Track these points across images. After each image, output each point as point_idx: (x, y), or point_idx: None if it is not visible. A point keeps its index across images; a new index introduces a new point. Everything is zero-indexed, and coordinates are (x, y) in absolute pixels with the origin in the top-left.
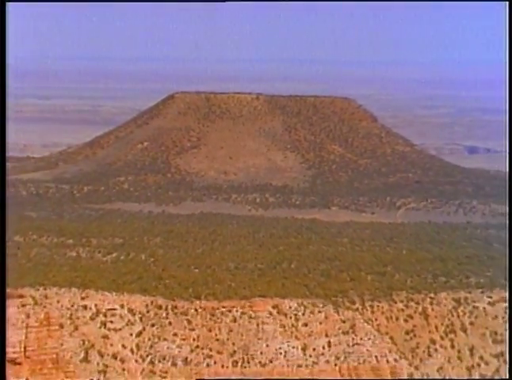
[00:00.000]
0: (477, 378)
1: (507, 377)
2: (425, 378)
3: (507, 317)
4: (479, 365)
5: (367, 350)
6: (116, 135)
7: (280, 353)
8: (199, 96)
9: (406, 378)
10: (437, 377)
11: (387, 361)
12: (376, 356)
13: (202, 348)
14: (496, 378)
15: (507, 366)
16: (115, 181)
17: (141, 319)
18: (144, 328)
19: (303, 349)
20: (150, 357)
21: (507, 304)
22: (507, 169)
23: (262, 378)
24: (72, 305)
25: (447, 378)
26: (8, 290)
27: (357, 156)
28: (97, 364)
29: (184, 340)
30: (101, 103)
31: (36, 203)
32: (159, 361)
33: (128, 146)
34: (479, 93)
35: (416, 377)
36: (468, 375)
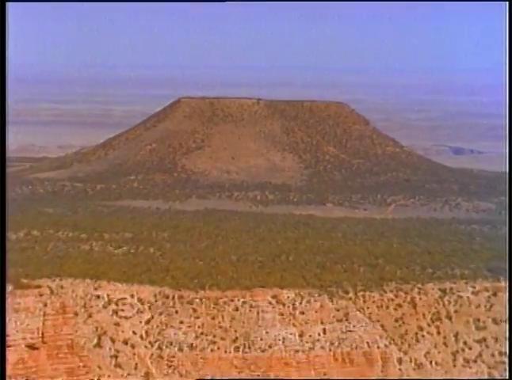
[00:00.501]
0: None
1: (507, 377)
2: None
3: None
4: (463, 350)
5: (359, 336)
6: (126, 137)
7: (279, 339)
8: (203, 101)
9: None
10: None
11: (378, 347)
12: (367, 342)
13: (206, 335)
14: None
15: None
16: (125, 180)
17: (150, 308)
18: (153, 316)
19: (300, 336)
20: (158, 343)
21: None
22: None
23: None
24: (86, 295)
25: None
26: (26, 281)
27: (350, 156)
28: (109, 349)
29: (189, 327)
30: (113, 107)
31: (52, 200)
32: (167, 346)
33: (138, 148)
34: (464, 99)
35: (404, 361)
36: (452, 360)
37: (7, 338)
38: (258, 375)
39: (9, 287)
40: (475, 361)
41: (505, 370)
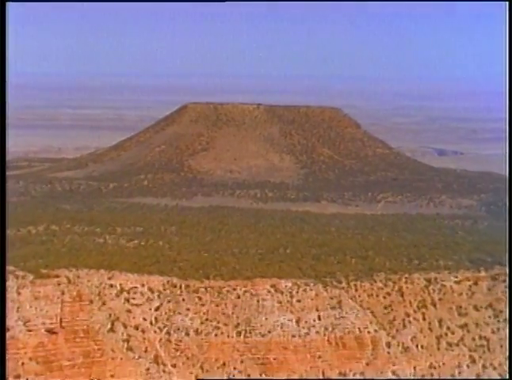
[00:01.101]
0: (477, 378)
1: (507, 377)
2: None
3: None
4: (446, 334)
5: (351, 322)
6: (137, 140)
7: (278, 325)
8: (208, 107)
9: (414, 378)
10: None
11: (369, 332)
12: (359, 327)
13: (211, 321)
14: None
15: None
16: (136, 179)
17: (159, 296)
18: (161, 304)
19: (297, 322)
20: (166, 328)
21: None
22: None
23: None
24: (100, 284)
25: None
26: (45, 271)
27: (343, 157)
28: (122, 334)
29: (195, 313)
30: (124, 112)
31: (69, 197)
32: (174, 332)
33: (148, 149)
34: (447, 105)
35: (393, 345)
36: (436, 343)
37: (28, 323)
38: (259, 358)
39: (29, 277)
40: (457, 344)
41: (484, 352)
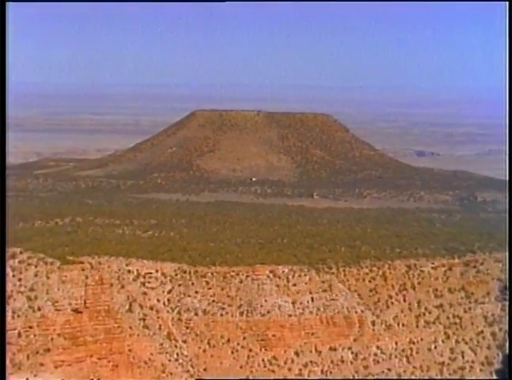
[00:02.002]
0: (477, 379)
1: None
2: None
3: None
4: (424, 314)
5: (340, 303)
6: (151, 142)
7: (276, 306)
8: (214, 113)
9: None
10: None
11: (356, 312)
12: (347, 308)
13: (217, 302)
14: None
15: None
16: (151, 177)
17: (171, 280)
18: (173, 287)
19: (293, 303)
20: (177, 308)
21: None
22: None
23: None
24: (119, 270)
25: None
26: (71, 258)
27: (333, 158)
28: (138, 314)
29: (203, 296)
30: (140, 118)
31: (91, 193)
32: (184, 311)
33: (161, 151)
34: (425, 111)
35: (377, 323)
36: (415, 322)
37: (56, 304)
38: (259, 335)
39: (57, 263)
40: (433, 322)
41: (457, 329)
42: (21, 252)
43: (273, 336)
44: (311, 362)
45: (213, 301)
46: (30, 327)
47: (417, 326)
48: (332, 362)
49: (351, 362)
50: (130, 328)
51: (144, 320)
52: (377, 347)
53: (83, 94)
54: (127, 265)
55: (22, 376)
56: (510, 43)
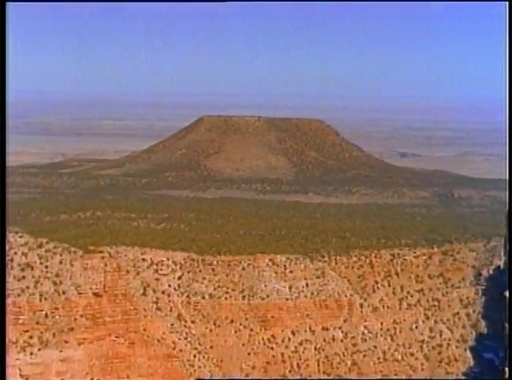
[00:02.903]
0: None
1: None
2: (427, 378)
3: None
4: (406, 297)
5: (332, 288)
6: (163, 145)
7: (274, 291)
8: (220, 119)
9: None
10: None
11: (346, 296)
12: (338, 292)
13: (222, 287)
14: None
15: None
16: (163, 176)
17: (181, 268)
18: (183, 274)
19: (290, 288)
20: (186, 293)
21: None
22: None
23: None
24: (135, 258)
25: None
26: (92, 248)
27: (325, 159)
28: (152, 297)
29: (209, 281)
30: (154, 123)
31: (110, 189)
32: (193, 295)
33: (172, 152)
34: (408, 117)
35: (364, 306)
36: (399, 304)
37: (79, 288)
38: (259, 316)
39: (79, 252)
40: (415, 305)
41: (436, 311)
42: (47, 242)
43: (272, 317)
44: (305, 340)
45: (218, 286)
46: (56, 308)
47: (400, 308)
48: (324, 340)
49: (341, 341)
50: (144, 310)
51: (157, 303)
52: (365, 327)
53: (103, 102)
54: (141, 254)
55: (49, 350)
56: (510, 43)
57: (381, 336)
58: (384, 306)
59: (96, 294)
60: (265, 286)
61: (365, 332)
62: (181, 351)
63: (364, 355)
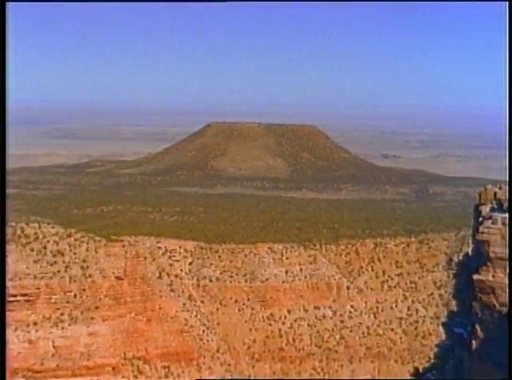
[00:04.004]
0: (481, 378)
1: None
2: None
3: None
4: (387, 280)
5: (323, 273)
6: (175, 148)
7: (273, 275)
8: (225, 125)
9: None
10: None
11: (334, 279)
12: (328, 276)
13: (227, 272)
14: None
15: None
16: (175, 174)
17: (191, 255)
18: (193, 260)
19: (286, 272)
20: (196, 276)
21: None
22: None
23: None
24: (151, 246)
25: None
26: (114, 237)
27: (317, 160)
28: (166, 280)
29: (216, 267)
30: (167, 128)
31: (129, 187)
32: (202, 279)
33: (183, 154)
34: (390, 123)
35: (351, 288)
36: (381, 286)
37: (103, 272)
38: (259, 297)
39: (103, 241)
40: (395, 287)
41: (413, 292)
42: (75, 232)
43: (271, 297)
44: (300, 318)
45: (224, 270)
46: (83, 290)
47: (382, 290)
48: (316, 317)
49: (331, 318)
50: (160, 291)
51: (171, 285)
52: (351, 306)
53: (123, 110)
54: (157, 243)
55: (77, 326)
56: (510, 43)
57: (365, 313)
58: (367, 288)
59: (118, 278)
60: (265, 270)
61: (352, 310)
62: (191, 327)
63: (351, 331)
